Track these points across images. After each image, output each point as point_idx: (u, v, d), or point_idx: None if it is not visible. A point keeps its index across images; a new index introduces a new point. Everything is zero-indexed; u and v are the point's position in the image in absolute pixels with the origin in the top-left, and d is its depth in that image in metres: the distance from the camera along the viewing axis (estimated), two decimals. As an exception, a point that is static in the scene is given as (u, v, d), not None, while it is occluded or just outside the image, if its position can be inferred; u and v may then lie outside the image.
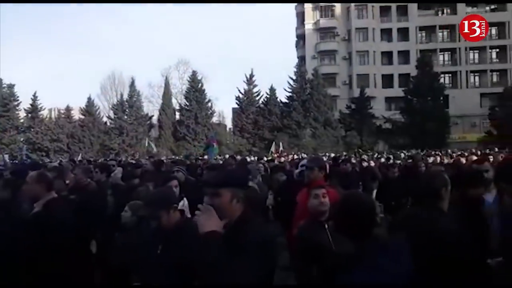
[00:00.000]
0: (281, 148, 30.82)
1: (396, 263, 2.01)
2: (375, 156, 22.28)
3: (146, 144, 32.64)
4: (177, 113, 49.53)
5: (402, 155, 21.14)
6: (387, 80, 49.21)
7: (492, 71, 49.17)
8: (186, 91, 48.23)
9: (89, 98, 47.99)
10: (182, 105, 48.55)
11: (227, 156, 21.64)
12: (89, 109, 47.71)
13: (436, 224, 2.63)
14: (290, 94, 45.39)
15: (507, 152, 17.54)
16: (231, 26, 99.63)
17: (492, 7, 49.74)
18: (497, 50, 49.45)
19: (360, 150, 34.67)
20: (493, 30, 49.05)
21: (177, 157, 25.07)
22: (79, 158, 28.56)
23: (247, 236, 1.95)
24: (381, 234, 2.16)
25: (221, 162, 16.73)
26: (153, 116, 50.54)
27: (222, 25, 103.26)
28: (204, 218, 1.98)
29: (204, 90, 47.81)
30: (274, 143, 29.51)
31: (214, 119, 50.23)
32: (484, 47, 48.65)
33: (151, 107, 52.54)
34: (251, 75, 47.14)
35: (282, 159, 19.10)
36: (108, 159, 21.38)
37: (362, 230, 2.09)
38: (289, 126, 42.79)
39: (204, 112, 46.52)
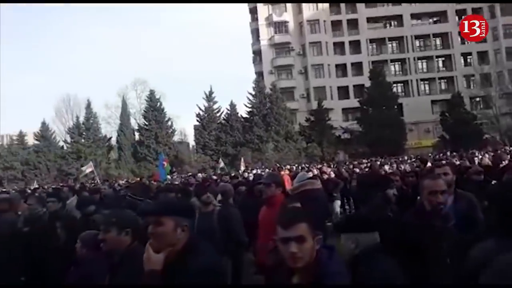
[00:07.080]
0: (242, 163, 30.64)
1: None
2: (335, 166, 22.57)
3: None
4: (137, 133, 48.67)
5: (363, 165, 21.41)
6: (343, 92, 50.64)
7: (440, 78, 51.73)
8: (144, 111, 47.65)
9: (43, 123, 46.51)
10: (141, 125, 47.80)
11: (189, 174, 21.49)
12: (44, 133, 46.06)
13: None
14: (251, 109, 45.81)
15: (459, 155, 18.52)
16: (187, 44, 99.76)
17: (435, 19, 52.68)
18: (443, 59, 52.21)
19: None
20: (437, 41, 51.96)
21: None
22: (35, 185, 27.33)
23: (192, 266, 1.96)
24: None
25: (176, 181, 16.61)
26: (111, 137, 49.43)
27: (177, 43, 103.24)
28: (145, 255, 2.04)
29: (163, 108, 47.40)
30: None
31: (176, 138, 49.83)
32: (431, 56, 51.36)
33: (109, 129, 51.38)
34: (211, 92, 47.37)
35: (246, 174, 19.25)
36: (62, 185, 20.65)
37: None
38: (252, 140, 43.05)
39: (164, 131, 45.99)
